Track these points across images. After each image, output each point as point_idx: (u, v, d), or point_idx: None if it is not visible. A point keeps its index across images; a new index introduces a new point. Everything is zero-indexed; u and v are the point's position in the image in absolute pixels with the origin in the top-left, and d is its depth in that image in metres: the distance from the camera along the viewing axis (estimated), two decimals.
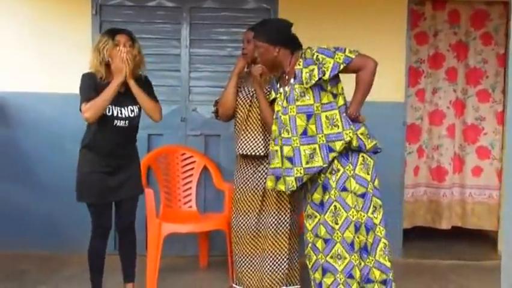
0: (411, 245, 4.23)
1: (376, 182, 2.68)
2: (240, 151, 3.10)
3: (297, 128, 2.62)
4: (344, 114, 2.63)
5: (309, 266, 2.71)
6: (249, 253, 3.14)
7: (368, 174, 2.65)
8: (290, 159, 2.64)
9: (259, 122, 3.07)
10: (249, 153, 3.07)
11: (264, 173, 3.09)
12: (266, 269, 3.09)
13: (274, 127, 2.76)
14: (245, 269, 3.16)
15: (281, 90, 2.74)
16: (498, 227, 4.40)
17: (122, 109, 2.89)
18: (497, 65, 4.50)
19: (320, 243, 2.64)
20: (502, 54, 4.47)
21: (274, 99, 2.82)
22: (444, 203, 4.52)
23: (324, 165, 2.61)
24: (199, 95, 4.03)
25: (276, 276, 3.09)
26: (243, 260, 3.16)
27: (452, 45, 4.48)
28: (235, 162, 3.27)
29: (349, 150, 2.63)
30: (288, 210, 3.11)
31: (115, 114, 2.87)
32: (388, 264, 2.65)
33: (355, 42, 2.78)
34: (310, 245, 2.70)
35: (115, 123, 2.88)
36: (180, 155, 3.90)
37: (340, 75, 2.67)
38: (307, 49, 2.68)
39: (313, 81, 2.59)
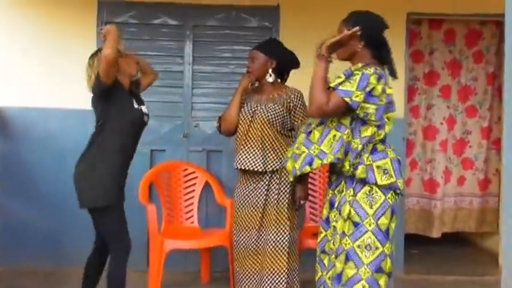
0: (407, 255, 3.97)
1: (381, 221, 2.20)
2: (238, 165, 2.87)
3: (311, 124, 2.33)
4: (342, 143, 2.22)
5: (316, 279, 2.43)
6: (249, 270, 2.88)
7: (371, 208, 2.21)
8: (298, 148, 2.35)
9: (259, 138, 2.85)
10: (246, 168, 2.84)
11: (264, 189, 2.85)
12: (265, 286, 2.82)
13: None
14: (245, 285, 2.89)
15: None
16: (475, 229, 4.45)
17: (142, 106, 2.77)
18: (485, 83, 4.36)
19: (326, 259, 2.36)
20: (491, 73, 4.33)
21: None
22: (436, 213, 4.36)
23: (298, 173, 2.29)
24: (201, 111, 3.77)
25: None
26: (243, 276, 2.90)
27: (447, 63, 4.30)
28: (237, 178, 3.01)
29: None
30: (287, 228, 2.84)
31: (144, 111, 2.75)
32: None
33: None
34: (317, 258, 2.42)
35: (145, 119, 2.78)
36: (182, 170, 3.63)
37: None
38: (371, 67, 2.22)
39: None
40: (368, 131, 2.23)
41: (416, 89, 4.29)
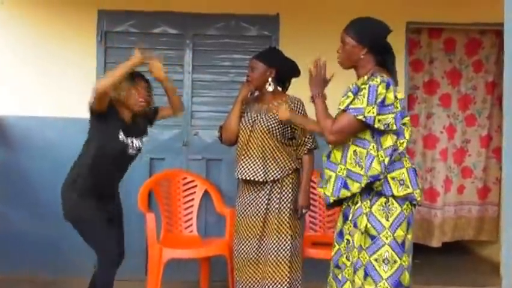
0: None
1: (397, 233, 2.14)
2: (239, 175, 2.84)
3: (328, 149, 2.28)
4: (372, 158, 2.14)
5: None
6: (249, 279, 2.84)
7: (387, 220, 2.14)
8: (321, 175, 2.33)
9: (259, 148, 2.82)
10: (247, 178, 2.81)
11: (265, 199, 2.81)
12: None
13: None
14: None
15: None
16: (473, 237, 4.46)
17: (134, 139, 2.70)
18: (485, 92, 4.34)
19: (340, 275, 2.29)
20: (491, 82, 4.32)
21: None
22: (436, 223, 4.32)
23: (332, 199, 2.22)
24: (201, 120, 3.75)
25: None
26: (243, 286, 2.85)
27: (446, 72, 4.28)
28: (237, 187, 2.98)
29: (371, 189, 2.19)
30: (289, 237, 2.80)
31: (133, 144, 2.70)
32: None
33: None
34: (331, 273, 2.35)
35: (129, 152, 2.70)
36: (181, 179, 3.60)
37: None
38: (376, 77, 2.15)
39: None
40: (388, 140, 2.14)
41: (416, 98, 4.27)
